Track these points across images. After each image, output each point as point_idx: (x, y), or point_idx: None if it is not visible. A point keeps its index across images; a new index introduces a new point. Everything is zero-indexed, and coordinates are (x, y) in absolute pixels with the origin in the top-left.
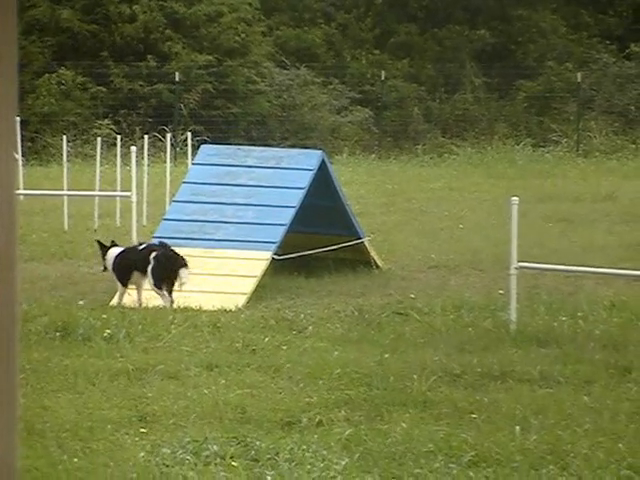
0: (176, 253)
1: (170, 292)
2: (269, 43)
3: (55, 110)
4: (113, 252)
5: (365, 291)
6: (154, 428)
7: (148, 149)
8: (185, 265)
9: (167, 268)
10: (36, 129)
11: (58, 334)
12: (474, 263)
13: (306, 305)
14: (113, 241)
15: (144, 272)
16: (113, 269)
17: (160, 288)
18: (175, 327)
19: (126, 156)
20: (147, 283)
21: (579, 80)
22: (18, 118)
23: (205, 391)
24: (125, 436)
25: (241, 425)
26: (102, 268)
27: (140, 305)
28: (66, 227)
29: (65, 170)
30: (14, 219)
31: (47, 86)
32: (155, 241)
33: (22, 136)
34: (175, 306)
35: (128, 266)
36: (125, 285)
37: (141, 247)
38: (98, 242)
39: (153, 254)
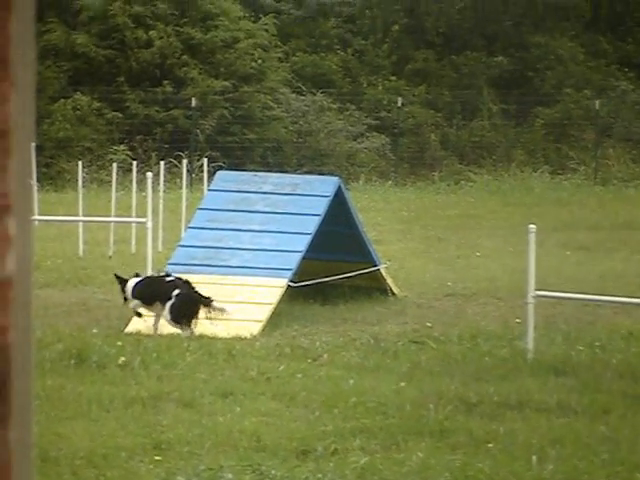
0: (198, 294)
1: (189, 326)
2: (285, 69)
3: (70, 135)
4: (134, 280)
5: (381, 319)
6: (169, 456)
7: (164, 175)
8: (207, 304)
9: (187, 308)
10: (51, 155)
11: (73, 361)
12: (491, 291)
13: (321, 333)
14: (137, 273)
15: (164, 304)
16: (134, 295)
17: (178, 323)
18: (190, 355)
19: (142, 182)
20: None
21: (597, 107)
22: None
23: (220, 419)
24: (140, 464)
25: (256, 453)
26: (123, 300)
27: (156, 332)
28: (81, 253)
29: (80, 196)
30: (30, 245)
31: (63, 111)
32: (170, 268)
33: (37, 162)
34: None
35: (151, 294)
36: (147, 307)
37: (167, 279)
38: (116, 275)
39: (176, 291)
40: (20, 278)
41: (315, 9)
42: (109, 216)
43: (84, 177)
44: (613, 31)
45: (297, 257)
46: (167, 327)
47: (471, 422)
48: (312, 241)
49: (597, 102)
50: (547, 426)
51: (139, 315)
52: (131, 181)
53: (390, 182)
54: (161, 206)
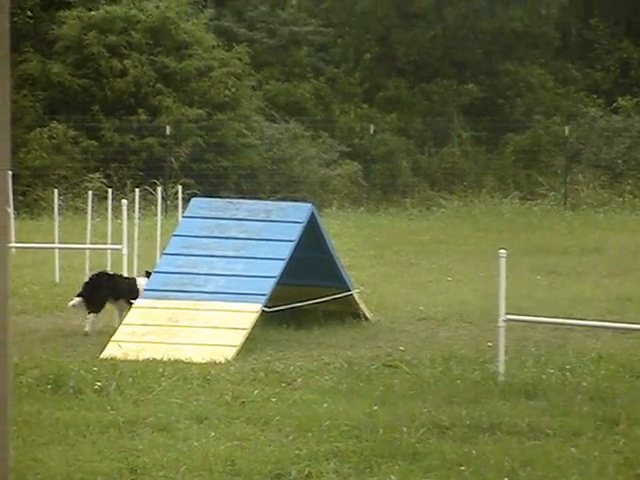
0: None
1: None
2: (259, 97)
3: (46, 164)
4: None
5: (354, 343)
6: None
7: (139, 202)
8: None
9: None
10: (27, 183)
11: (49, 387)
12: (463, 315)
13: (295, 357)
14: (147, 271)
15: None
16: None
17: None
18: (165, 379)
19: (117, 209)
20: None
21: (567, 134)
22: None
23: (195, 443)
24: None
25: (231, 477)
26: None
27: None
28: (57, 280)
29: (56, 223)
30: (6, 272)
31: (39, 140)
32: (145, 294)
33: (14, 190)
34: (165, 358)
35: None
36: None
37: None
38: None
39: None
40: None
41: (288, 38)
42: (85, 243)
43: (60, 205)
44: (582, 58)
45: (271, 282)
46: (144, 352)
47: (443, 445)
48: (286, 267)
49: (566, 128)
50: (518, 448)
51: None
52: (106, 208)
53: (363, 208)
54: (136, 233)
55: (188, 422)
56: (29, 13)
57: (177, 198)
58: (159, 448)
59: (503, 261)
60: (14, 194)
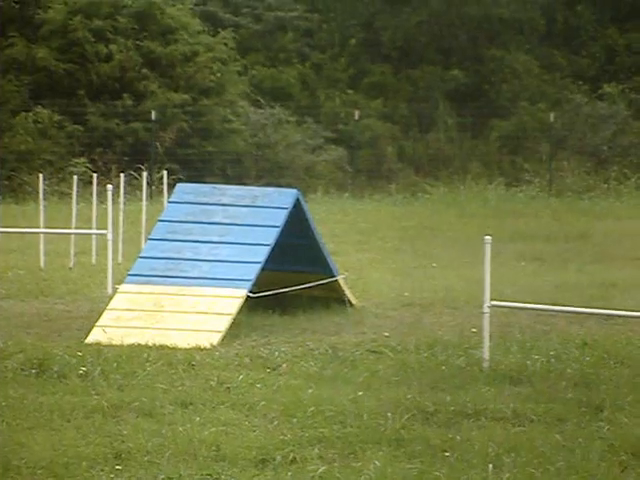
0: None
1: None
2: (244, 82)
3: (32, 148)
4: None
5: (339, 329)
6: (129, 465)
7: (124, 187)
8: None
9: None
10: (12, 167)
11: (34, 371)
12: (447, 301)
13: (280, 343)
14: None
15: None
16: None
17: None
18: (150, 365)
19: (102, 194)
20: None
21: (552, 120)
22: None
23: (180, 428)
24: (100, 473)
25: (215, 462)
26: None
27: None
28: (42, 265)
29: (41, 208)
30: None
31: (24, 124)
32: (130, 279)
33: None
34: (150, 343)
35: None
36: None
37: None
38: None
39: None
40: None
41: (273, 23)
42: (70, 228)
43: (45, 189)
44: (567, 45)
45: (256, 268)
46: (128, 337)
47: (428, 431)
48: (271, 252)
49: (552, 115)
50: (503, 434)
51: None
52: (91, 193)
53: (348, 194)
54: (121, 218)
55: (173, 407)
56: None
57: (162, 183)
58: (144, 433)
59: (488, 247)
60: None
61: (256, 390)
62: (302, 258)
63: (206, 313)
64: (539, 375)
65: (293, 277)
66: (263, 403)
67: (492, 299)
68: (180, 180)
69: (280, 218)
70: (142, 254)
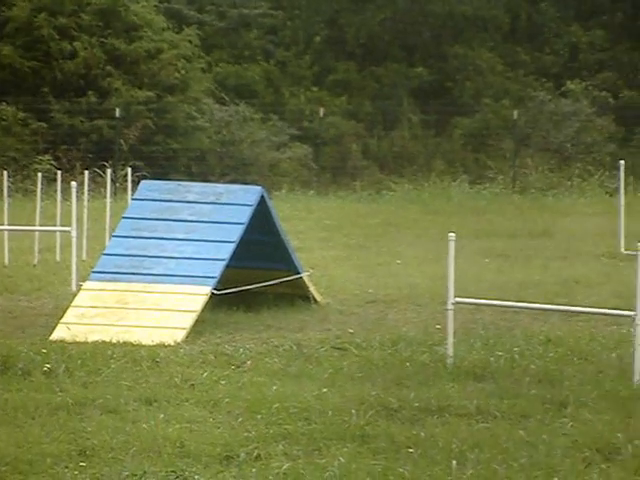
0: None
1: None
2: (209, 79)
3: None
4: None
5: (304, 326)
6: (93, 462)
7: (88, 184)
8: None
9: None
10: None
11: None
12: (412, 298)
13: (245, 340)
14: None
15: None
16: None
17: None
18: (114, 362)
19: (66, 191)
20: None
21: (515, 117)
22: None
23: (144, 425)
24: (65, 470)
25: (180, 459)
26: None
27: None
28: (6, 262)
29: (5, 205)
30: None
31: None
32: (94, 276)
33: None
34: (114, 341)
35: None
36: None
37: None
38: None
39: None
40: None
41: (237, 20)
42: (34, 225)
43: (9, 187)
44: (531, 42)
45: (221, 265)
46: (93, 334)
47: (392, 427)
48: (236, 249)
49: (515, 112)
50: (467, 431)
51: None
52: (56, 190)
53: (312, 191)
54: (85, 215)
55: (137, 404)
56: None
57: (126, 180)
58: (108, 430)
59: (452, 244)
60: None
61: (220, 387)
62: (267, 255)
63: (170, 310)
64: (503, 371)
65: (258, 274)
66: (227, 400)
67: (456, 296)
68: (144, 177)
69: (245, 215)
70: (106, 251)
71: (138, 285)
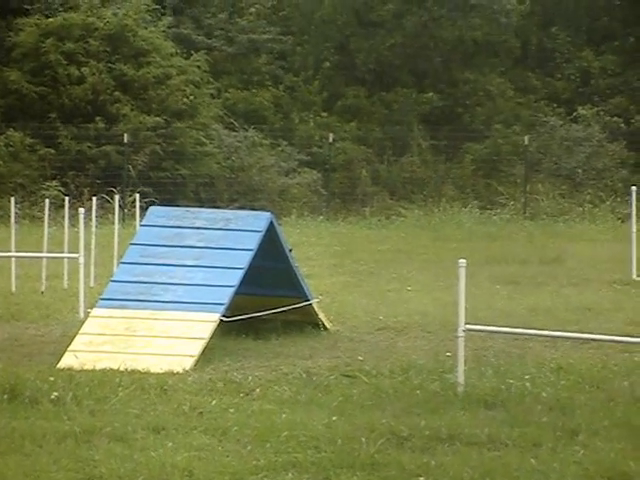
0: None
1: None
2: (217, 105)
3: (3, 172)
4: None
5: (313, 353)
6: None
7: (96, 210)
8: None
9: None
10: None
11: (5, 396)
12: (422, 325)
13: (254, 367)
14: None
15: None
16: None
17: None
18: (122, 389)
19: (74, 218)
20: None
21: (526, 143)
22: None
23: (152, 454)
24: None
25: None
26: None
27: None
28: (14, 288)
29: (13, 231)
30: None
31: None
32: (102, 303)
33: None
34: (122, 368)
35: None
36: None
37: None
38: None
39: None
40: None
41: (246, 46)
42: (41, 251)
43: (17, 213)
44: (542, 67)
45: (229, 292)
46: (101, 362)
47: (402, 455)
48: (244, 276)
49: (526, 138)
50: (478, 459)
51: None
52: (63, 217)
53: (322, 217)
54: (93, 241)
55: (145, 432)
56: None
57: (135, 206)
58: (116, 458)
59: (463, 271)
60: None
61: (229, 415)
62: (276, 282)
63: (179, 337)
64: (514, 399)
65: (267, 301)
66: (236, 428)
67: (467, 323)
68: (153, 203)
69: (254, 241)
70: (114, 278)
71: (146, 312)
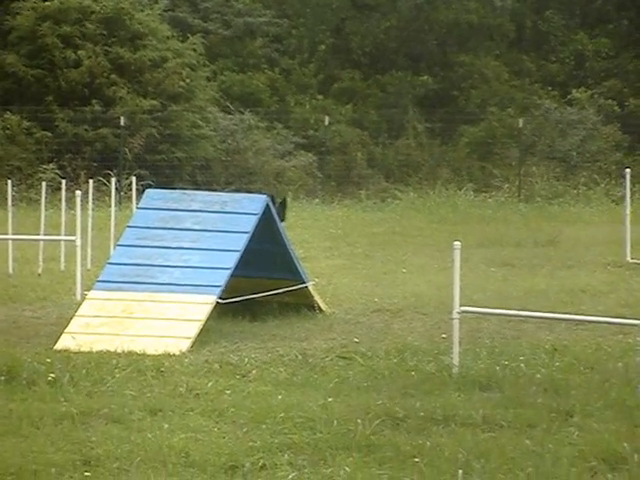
0: None
1: None
2: (213, 88)
3: (0, 155)
4: None
5: (309, 335)
6: (98, 472)
7: (93, 193)
8: None
9: None
10: None
11: (2, 378)
12: (417, 307)
13: (250, 349)
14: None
15: None
16: None
17: None
18: (119, 371)
19: (71, 200)
20: None
21: (521, 126)
22: None
23: (149, 435)
24: (69, 479)
25: (185, 469)
26: None
27: None
28: (11, 271)
29: (10, 214)
30: None
31: None
32: (99, 285)
33: None
34: (119, 350)
35: None
36: None
37: None
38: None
39: None
40: None
41: (242, 29)
42: (38, 234)
43: (13, 196)
44: (536, 50)
45: (226, 274)
46: (97, 344)
47: (398, 437)
48: (241, 258)
49: (521, 120)
50: (473, 440)
51: None
52: (60, 199)
53: (317, 200)
54: (90, 224)
55: (142, 414)
56: None
57: (131, 189)
58: (113, 440)
59: (457, 253)
60: None
61: (225, 396)
62: (272, 264)
63: (175, 319)
64: (509, 381)
65: (263, 283)
66: (232, 409)
67: (462, 305)
68: (149, 186)
69: (250, 224)
70: (111, 260)
71: (143, 294)
